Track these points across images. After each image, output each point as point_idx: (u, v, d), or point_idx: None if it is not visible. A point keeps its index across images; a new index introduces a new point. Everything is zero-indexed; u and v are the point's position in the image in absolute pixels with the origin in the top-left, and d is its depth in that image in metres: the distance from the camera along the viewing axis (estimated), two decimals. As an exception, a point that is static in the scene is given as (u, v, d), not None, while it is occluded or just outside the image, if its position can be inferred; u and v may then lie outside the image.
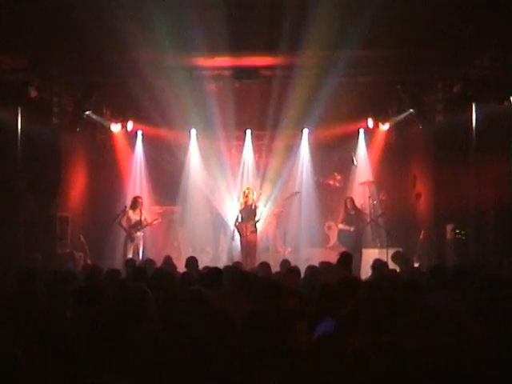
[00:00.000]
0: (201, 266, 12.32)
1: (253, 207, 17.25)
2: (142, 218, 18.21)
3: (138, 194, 19.36)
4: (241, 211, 17.44)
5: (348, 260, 11.47)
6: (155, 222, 18.63)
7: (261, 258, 17.50)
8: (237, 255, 17.52)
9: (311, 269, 11.67)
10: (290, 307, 7.24)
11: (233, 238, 17.60)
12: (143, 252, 18.08)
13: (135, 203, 18.32)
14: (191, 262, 12.35)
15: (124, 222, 18.07)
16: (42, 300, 8.28)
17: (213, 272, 9.63)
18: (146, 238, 18.48)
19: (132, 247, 17.86)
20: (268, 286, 8.10)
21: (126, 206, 18.37)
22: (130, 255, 17.25)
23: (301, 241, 20.18)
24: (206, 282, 8.99)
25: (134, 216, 18.14)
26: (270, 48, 14.87)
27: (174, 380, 4.95)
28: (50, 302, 8.21)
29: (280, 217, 20.17)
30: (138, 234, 18.08)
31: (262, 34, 14.08)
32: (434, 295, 8.23)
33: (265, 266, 12.32)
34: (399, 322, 6.00)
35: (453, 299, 7.94)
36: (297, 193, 19.94)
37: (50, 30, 13.84)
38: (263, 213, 18.65)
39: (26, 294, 8.36)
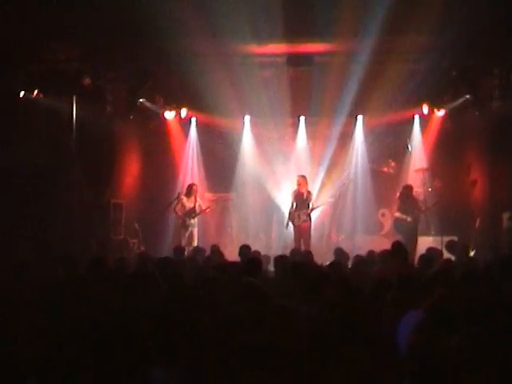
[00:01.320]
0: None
1: (305, 195, 17.09)
2: (197, 205, 18.27)
3: (191, 181, 19.43)
4: (294, 199, 17.24)
5: (402, 250, 11.30)
6: (208, 210, 18.63)
7: (315, 245, 17.47)
8: (290, 242, 17.42)
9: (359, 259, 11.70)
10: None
11: (287, 227, 17.38)
12: (198, 239, 18.13)
13: (190, 190, 18.36)
14: (244, 250, 12.37)
15: (178, 209, 18.13)
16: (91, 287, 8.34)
17: (252, 261, 9.66)
18: (199, 224, 18.51)
19: (186, 234, 17.92)
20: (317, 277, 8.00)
21: (179, 193, 18.43)
22: (184, 242, 17.33)
23: (354, 228, 20.09)
24: (247, 270, 8.98)
25: (188, 203, 18.18)
26: (324, 34, 14.79)
27: (226, 375, 4.92)
28: (102, 289, 8.27)
29: (334, 204, 20.02)
30: (193, 221, 18.11)
31: (317, 20, 14.01)
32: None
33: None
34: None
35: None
36: (347, 182, 19.77)
37: (103, 19, 13.94)
38: (320, 201, 18.52)
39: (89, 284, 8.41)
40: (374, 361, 4.98)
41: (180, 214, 18.10)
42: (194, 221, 18.21)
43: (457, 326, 5.45)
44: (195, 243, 17.48)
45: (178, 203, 18.21)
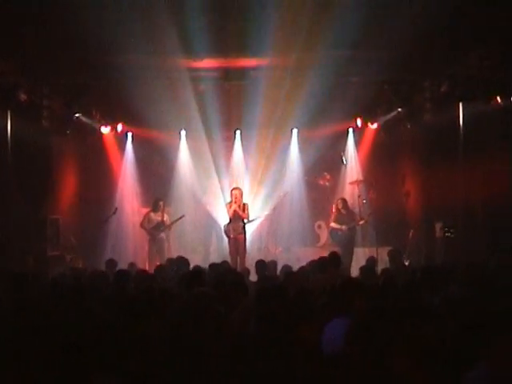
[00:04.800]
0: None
1: (241, 207, 17.03)
2: (165, 218, 18.53)
3: (128, 195, 19.61)
4: (229, 212, 17.18)
5: (337, 260, 11.65)
6: (179, 220, 18.99)
7: (252, 257, 17.56)
8: (227, 255, 17.41)
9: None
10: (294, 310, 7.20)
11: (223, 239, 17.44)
12: (168, 252, 18.50)
13: (156, 205, 18.66)
14: (182, 262, 12.44)
15: (146, 224, 18.37)
16: (36, 302, 8.33)
17: (195, 272, 9.75)
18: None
19: (155, 248, 18.20)
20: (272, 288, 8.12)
21: (116, 208, 18.45)
22: (152, 256, 17.94)
23: (291, 240, 20.25)
24: (190, 282, 9.06)
25: (155, 217, 18.50)
26: (258, 49, 14.94)
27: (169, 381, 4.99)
28: (43, 304, 8.26)
29: (271, 217, 20.19)
30: (163, 234, 18.47)
31: (251, 35, 14.16)
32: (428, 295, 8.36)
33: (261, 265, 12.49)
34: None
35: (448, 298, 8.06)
36: (284, 194, 19.99)
37: (39, 33, 13.88)
38: (256, 214, 18.66)
39: (18, 297, 8.39)
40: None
41: (148, 228, 18.26)
42: (164, 234, 18.52)
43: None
44: (165, 257, 17.51)
45: (144, 218, 18.61)
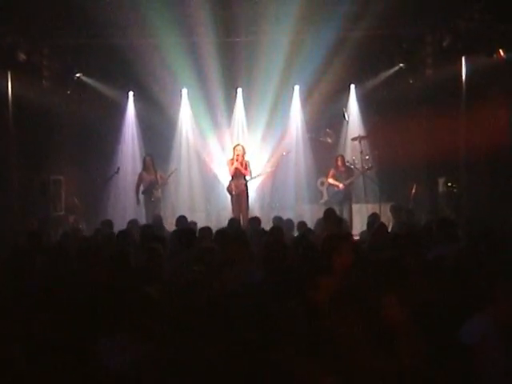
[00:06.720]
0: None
1: (243, 164, 16.98)
2: (158, 176, 18.14)
3: (130, 155, 19.50)
4: (231, 168, 17.13)
5: (332, 215, 11.69)
6: (171, 175, 18.72)
7: (255, 215, 17.59)
8: (228, 213, 17.39)
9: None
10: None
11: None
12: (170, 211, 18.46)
13: (144, 163, 18.37)
14: (181, 221, 12.45)
15: (140, 186, 18.08)
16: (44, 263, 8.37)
17: (186, 232, 9.74)
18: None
19: (152, 207, 17.67)
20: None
21: (118, 168, 18.32)
22: (149, 217, 16.99)
23: (295, 197, 20.25)
24: (181, 241, 9.12)
25: (148, 177, 18.07)
26: (260, 4, 14.88)
27: (173, 342, 5.01)
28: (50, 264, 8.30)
29: (274, 174, 20.14)
30: (158, 194, 18.04)
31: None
32: (438, 247, 8.43)
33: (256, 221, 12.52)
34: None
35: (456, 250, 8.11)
36: (287, 153, 19.89)
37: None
38: (258, 171, 18.64)
39: (28, 257, 8.40)
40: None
41: (139, 192, 18.00)
42: (159, 193, 18.13)
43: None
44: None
45: (138, 180, 18.21)
